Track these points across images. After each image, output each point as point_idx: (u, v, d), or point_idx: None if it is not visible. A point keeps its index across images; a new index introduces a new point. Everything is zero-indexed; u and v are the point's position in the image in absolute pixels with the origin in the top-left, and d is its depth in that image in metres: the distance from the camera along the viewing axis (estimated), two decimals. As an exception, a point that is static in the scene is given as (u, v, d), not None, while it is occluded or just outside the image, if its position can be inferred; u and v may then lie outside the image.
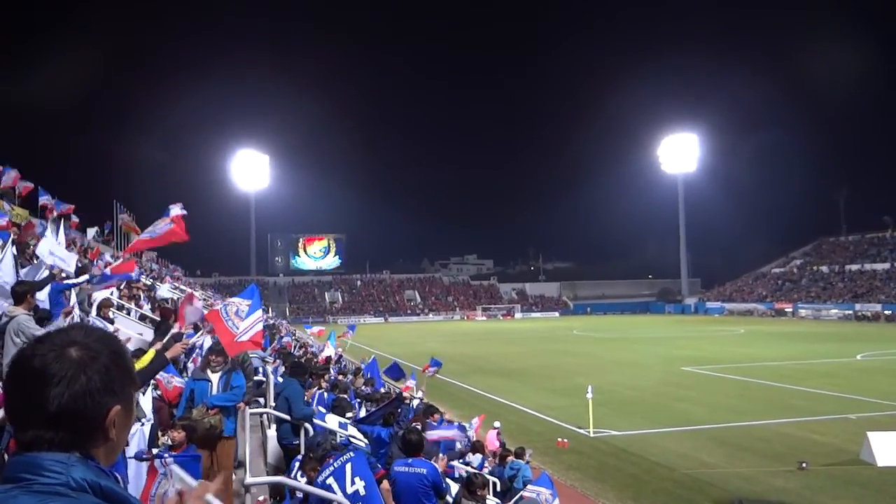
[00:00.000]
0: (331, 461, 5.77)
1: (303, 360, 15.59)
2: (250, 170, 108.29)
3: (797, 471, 14.73)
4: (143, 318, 14.89)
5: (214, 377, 7.31)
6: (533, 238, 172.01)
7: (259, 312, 7.31)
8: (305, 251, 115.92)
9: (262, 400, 9.61)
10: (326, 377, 14.64)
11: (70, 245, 16.73)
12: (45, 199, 26.77)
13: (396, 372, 21.77)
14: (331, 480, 5.53)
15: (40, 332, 5.92)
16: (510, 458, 12.38)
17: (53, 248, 9.71)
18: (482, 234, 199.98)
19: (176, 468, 3.59)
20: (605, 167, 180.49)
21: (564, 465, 16.11)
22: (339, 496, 5.25)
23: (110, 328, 9.52)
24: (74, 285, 8.88)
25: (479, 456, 12.15)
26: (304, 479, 6.35)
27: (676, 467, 15.50)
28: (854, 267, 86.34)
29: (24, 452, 1.30)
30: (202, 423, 6.10)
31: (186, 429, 5.77)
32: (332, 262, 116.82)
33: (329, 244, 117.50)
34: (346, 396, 11.96)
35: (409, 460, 6.64)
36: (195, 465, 4.72)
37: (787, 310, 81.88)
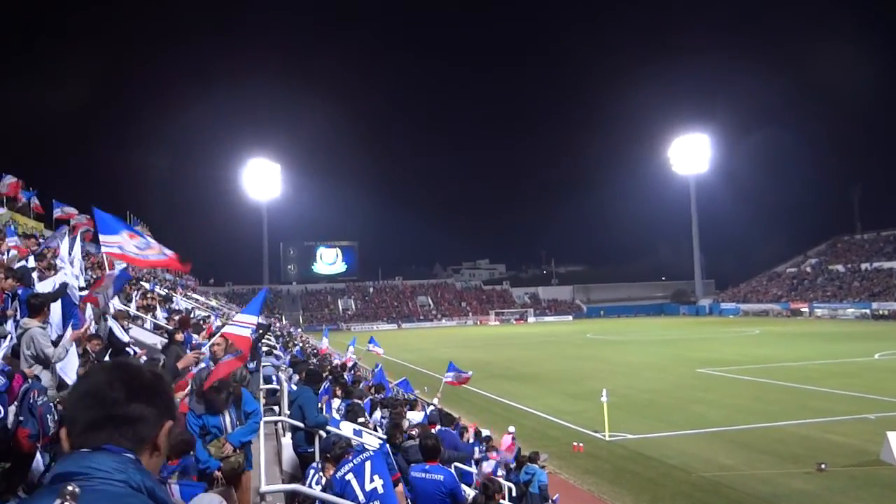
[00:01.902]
0: (349, 458, 5.79)
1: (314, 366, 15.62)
2: (262, 179, 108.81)
3: (816, 472, 14.59)
4: (157, 327, 14.98)
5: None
6: (545, 242, 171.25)
7: (253, 318, 7.30)
8: (321, 258, 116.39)
9: (276, 408, 9.64)
10: (343, 383, 14.68)
11: (84, 257, 16.86)
12: (59, 212, 27.03)
13: (406, 387, 21.76)
14: (350, 476, 5.56)
15: (51, 348, 5.95)
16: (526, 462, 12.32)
17: (69, 261, 9.85)
18: (494, 238, 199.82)
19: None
20: (616, 169, 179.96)
21: (580, 469, 16.04)
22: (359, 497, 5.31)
23: (126, 338, 9.61)
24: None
25: (493, 461, 12.12)
26: (323, 479, 6.39)
27: (693, 470, 15.40)
28: (870, 265, 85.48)
29: (82, 451, 1.45)
30: (226, 463, 5.80)
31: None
32: (344, 269, 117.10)
33: (340, 252, 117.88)
34: (359, 402, 11.96)
35: (427, 466, 6.62)
36: (196, 491, 4.72)
37: (802, 310, 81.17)
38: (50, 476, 1.42)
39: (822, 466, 14.72)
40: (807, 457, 15.81)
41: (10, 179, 25.45)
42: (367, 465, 5.59)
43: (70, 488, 1.30)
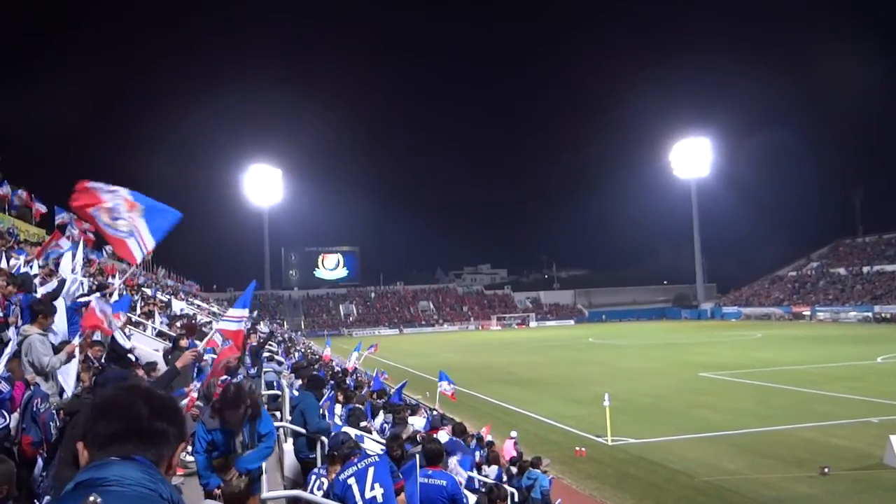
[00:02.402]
0: (355, 460, 5.77)
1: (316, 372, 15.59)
2: (263, 184, 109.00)
3: (820, 476, 14.54)
4: (159, 334, 14.96)
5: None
6: (546, 246, 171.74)
7: (243, 311, 7.37)
8: (323, 264, 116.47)
9: (278, 413, 9.63)
10: (345, 389, 14.67)
11: (86, 264, 16.89)
12: (61, 218, 27.00)
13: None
14: (351, 481, 5.55)
15: (48, 357, 5.92)
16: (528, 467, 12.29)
17: (74, 267, 9.87)
18: (495, 243, 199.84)
19: None
20: (617, 173, 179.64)
21: (583, 474, 16.00)
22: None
23: (129, 343, 9.61)
24: (87, 304, 8.91)
25: (495, 468, 12.07)
26: (325, 484, 6.36)
27: (696, 475, 15.35)
28: (872, 268, 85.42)
29: (111, 459, 1.49)
30: (227, 485, 5.16)
31: None
32: (346, 274, 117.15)
33: (341, 257, 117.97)
34: (361, 407, 11.95)
35: (429, 472, 6.61)
36: None
37: (804, 313, 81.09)
38: (72, 483, 1.45)
39: (826, 470, 14.67)
40: (810, 461, 15.76)
41: (19, 192, 25.45)
42: (371, 471, 5.56)
43: (92, 498, 1.33)
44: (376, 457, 5.86)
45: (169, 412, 1.63)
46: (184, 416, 1.76)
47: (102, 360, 7.23)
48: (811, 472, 14.89)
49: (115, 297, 9.56)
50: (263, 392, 11.50)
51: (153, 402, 1.60)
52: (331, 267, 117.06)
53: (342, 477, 5.62)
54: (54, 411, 5.18)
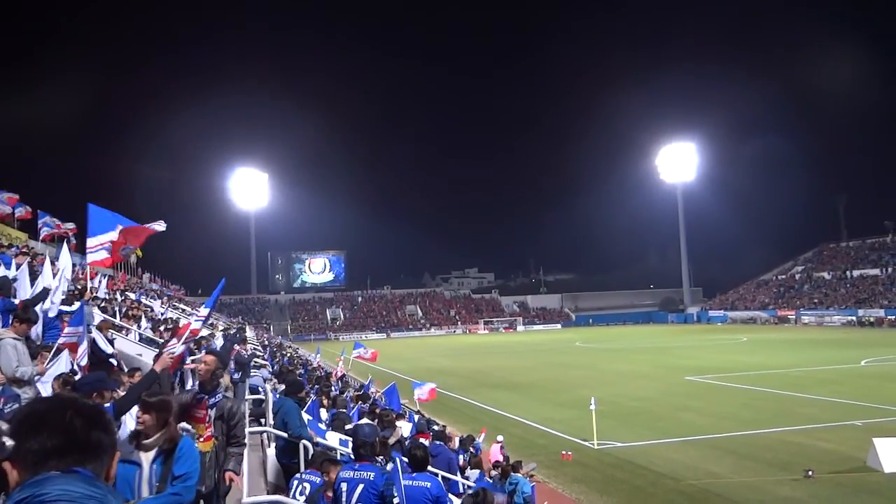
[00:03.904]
0: (356, 465, 5.80)
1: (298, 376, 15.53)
2: (249, 188, 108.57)
3: (804, 479, 14.62)
4: (145, 339, 14.81)
5: (146, 458, 3.99)
6: (533, 250, 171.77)
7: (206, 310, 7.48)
8: (310, 268, 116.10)
9: (262, 419, 9.56)
10: (329, 393, 14.61)
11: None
12: (46, 224, 26.79)
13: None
14: (343, 486, 5.62)
15: (15, 363, 5.79)
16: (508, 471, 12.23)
17: (56, 272, 9.75)
18: (482, 247, 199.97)
19: None
20: (603, 178, 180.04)
21: (569, 477, 16.00)
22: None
23: (110, 349, 9.50)
24: (69, 312, 8.81)
25: (476, 471, 12.03)
26: (307, 490, 6.32)
27: (682, 478, 15.39)
28: (856, 272, 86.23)
29: (52, 474, 1.43)
30: None
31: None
32: (332, 278, 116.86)
33: (328, 261, 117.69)
34: (345, 411, 11.90)
35: (414, 474, 6.58)
36: None
37: (789, 317, 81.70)
38: (13, 501, 1.38)
39: (810, 473, 14.75)
40: (794, 464, 15.83)
41: (6, 195, 25.17)
42: (359, 489, 5.63)
43: None
44: (372, 474, 5.82)
45: (103, 421, 1.58)
46: (112, 424, 1.68)
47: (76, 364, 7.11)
48: (795, 474, 14.96)
49: (74, 305, 9.19)
50: (248, 397, 11.41)
51: (85, 413, 1.55)
52: (317, 271, 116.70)
53: (342, 475, 5.75)
54: None
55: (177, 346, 6.59)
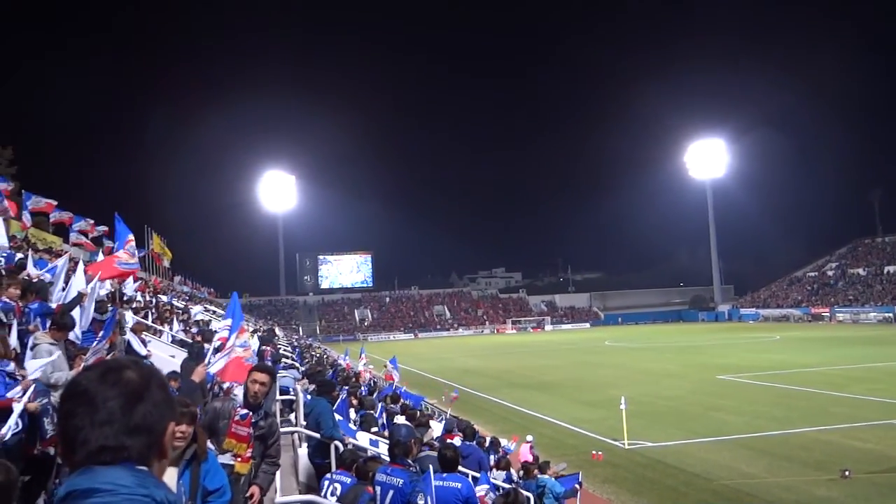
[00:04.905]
0: (389, 468, 5.87)
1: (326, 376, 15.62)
2: (277, 190, 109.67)
3: (840, 479, 14.34)
4: (177, 341, 15.02)
5: (170, 473, 3.56)
6: (561, 249, 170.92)
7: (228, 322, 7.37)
8: (338, 269, 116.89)
9: (292, 418, 9.65)
10: (357, 394, 14.69)
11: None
12: (80, 229, 27.29)
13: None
14: (377, 487, 5.70)
15: (48, 369, 5.87)
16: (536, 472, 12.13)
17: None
18: (510, 246, 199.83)
19: None
20: (632, 175, 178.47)
21: (600, 478, 15.89)
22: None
23: (144, 350, 9.68)
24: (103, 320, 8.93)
25: (503, 472, 11.97)
26: (339, 490, 6.36)
27: (715, 478, 15.21)
28: (892, 268, 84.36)
29: (93, 466, 1.36)
30: None
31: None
32: (360, 279, 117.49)
33: (356, 262, 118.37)
34: (372, 412, 11.96)
35: (444, 475, 6.61)
36: None
37: (823, 314, 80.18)
38: (62, 492, 1.35)
39: (846, 473, 14.47)
40: (830, 463, 15.56)
41: (45, 201, 25.51)
42: (389, 495, 5.70)
43: None
44: (401, 481, 5.87)
45: (150, 396, 1.44)
46: (166, 387, 1.52)
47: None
48: (831, 475, 14.69)
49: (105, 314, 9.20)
50: (278, 398, 11.52)
51: (128, 388, 1.42)
52: (345, 272, 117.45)
53: (376, 476, 5.80)
54: (50, 407, 5.16)
55: (220, 361, 6.67)
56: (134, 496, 1.33)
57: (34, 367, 5.84)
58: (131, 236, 11.18)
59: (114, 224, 9.96)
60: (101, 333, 6.76)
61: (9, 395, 4.94)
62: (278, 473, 5.90)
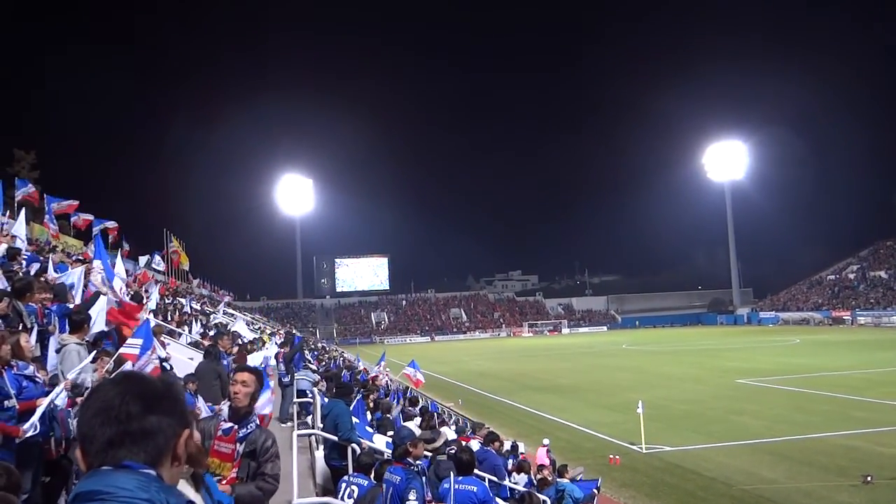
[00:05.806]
0: (400, 468, 5.89)
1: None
2: (295, 194, 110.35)
3: (862, 485, 14.13)
4: (195, 344, 15.15)
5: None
6: (578, 252, 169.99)
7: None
8: (354, 272, 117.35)
9: (309, 420, 9.69)
10: (373, 396, 14.73)
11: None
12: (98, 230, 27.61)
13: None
14: (385, 486, 5.78)
15: (74, 372, 5.89)
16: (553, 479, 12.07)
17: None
18: (526, 249, 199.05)
19: None
20: (650, 177, 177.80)
21: (617, 482, 15.80)
22: None
23: (163, 352, 9.76)
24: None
25: (524, 476, 11.95)
26: (356, 492, 6.37)
27: (734, 483, 15.06)
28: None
29: (103, 469, 1.40)
30: None
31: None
32: (377, 282, 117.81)
33: (373, 265, 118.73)
34: (389, 416, 11.99)
35: (460, 478, 6.62)
36: None
37: (844, 317, 79.16)
38: (71, 495, 1.39)
39: (868, 479, 14.25)
40: (852, 469, 15.36)
41: (67, 202, 25.75)
42: (389, 491, 5.77)
43: None
44: (398, 478, 5.88)
45: (163, 402, 1.49)
46: (182, 399, 1.59)
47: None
48: (853, 480, 14.49)
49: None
50: (296, 400, 11.59)
51: (145, 395, 1.47)
52: (362, 275, 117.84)
53: (387, 474, 5.92)
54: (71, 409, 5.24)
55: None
56: (133, 500, 1.34)
57: (69, 368, 5.93)
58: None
59: (119, 236, 9.91)
60: (142, 343, 6.61)
61: (50, 396, 5.02)
62: (295, 475, 5.88)
